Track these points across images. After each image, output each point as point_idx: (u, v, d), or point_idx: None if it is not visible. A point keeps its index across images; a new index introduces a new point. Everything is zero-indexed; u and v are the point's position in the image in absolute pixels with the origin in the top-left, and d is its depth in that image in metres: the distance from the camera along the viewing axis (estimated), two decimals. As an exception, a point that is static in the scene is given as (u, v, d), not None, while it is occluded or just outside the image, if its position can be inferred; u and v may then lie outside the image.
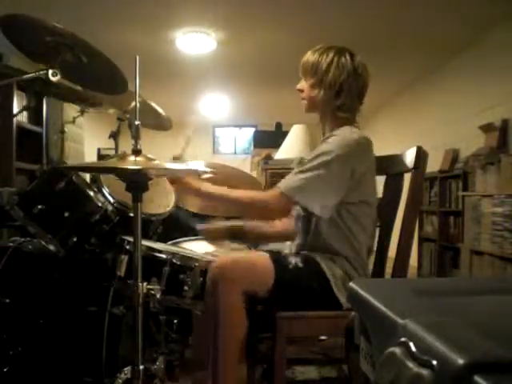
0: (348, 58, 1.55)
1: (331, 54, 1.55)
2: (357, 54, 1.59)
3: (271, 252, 1.52)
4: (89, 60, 1.56)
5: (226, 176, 1.80)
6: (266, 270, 1.42)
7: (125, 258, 1.52)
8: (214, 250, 1.85)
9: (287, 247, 1.66)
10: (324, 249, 1.52)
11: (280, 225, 1.79)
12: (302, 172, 1.46)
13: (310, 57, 1.59)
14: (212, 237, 1.92)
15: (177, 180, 1.58)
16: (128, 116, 2.15)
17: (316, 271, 1.46)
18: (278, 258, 1.47)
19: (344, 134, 1.49)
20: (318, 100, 1.58)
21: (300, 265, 1.46)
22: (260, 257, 1.46)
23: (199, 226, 1.91)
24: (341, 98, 1.55)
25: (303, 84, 1.62)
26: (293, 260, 1.47)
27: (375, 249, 1.65)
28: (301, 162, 1.60)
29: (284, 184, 1.46)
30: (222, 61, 5.37)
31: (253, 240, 1.83)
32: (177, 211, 2.14)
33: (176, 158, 2.48)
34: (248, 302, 1.38)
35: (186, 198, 2.09)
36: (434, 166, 4.69)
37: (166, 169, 1.33)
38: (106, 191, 1.84)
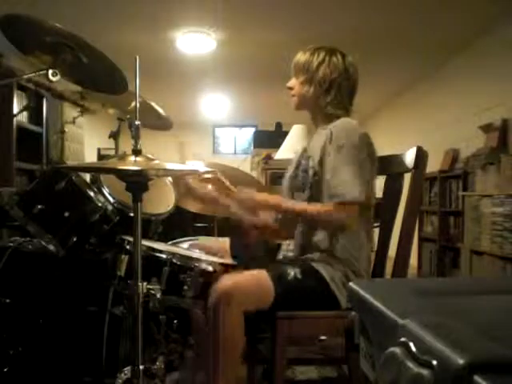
0: (339, 57, 1.58)
1: (322, 53, 1.58)
2: (351, 55, 1.60)
3: (268, 270, 1.50)
4: (89, 60, 1.56)
5: (225, 176, 1.80)
6: (267, 289, 1.42)
7: (125, 257, 1.52)
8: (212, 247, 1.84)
9: (286, 246, 1.66)
10: (323, 250, 1.52)
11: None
12: (346, 169, 1.45)
13: (301, 56, 1.62)
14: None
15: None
16: (128, 116, 2.15)
17: (315, 279, 1.46)
18: (277, 274, 1.46)
19: (345, 125, 1.51)
20: (309, 96, 1.60)
21: (299, 276, 1.46)
22: (260, 277, 1.45)
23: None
24: (330, 95, 1.57)
25: (293, 82, 1.65)
26: (292, 272, 1.47)
27: (375, 249, 1.64)
28: (302, 155, 1.59)
29: (343, 192, 1.44)
30: (222, 61, 5.37)
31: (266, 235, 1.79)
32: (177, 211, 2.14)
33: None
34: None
35: (186, 198, 2.09)
36: (434, 166, 4.69)
37: (166, 169, 1.33)
38: (105, 191, 1.84)
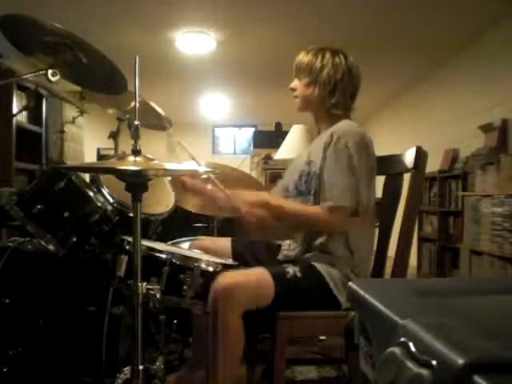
0: (342, 58, 1.58)
1: (326, 54, 1.58)
2: (351, 55, 1.61)
3: (270, 267, 1.50)
4: (88, 60, 1.56)
5: (225, 176, 1.80)
6: (267, 287, 1.42)
7: (124, 257, 1.52)
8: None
9: (286, 246, 1.65)
10: (323, 250, 1.51)
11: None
12: (340, 179, 1.45)
13: (303, 57, 1.61)
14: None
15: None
16: (127, 116, 2.15)
17: (315, 278, 1.46)
18: (276, 272, 1.46)
19: (346, 129, 1.50)
20: (312, 98, 1.59)
21: (298, 274, 1.46)
22: (260, 275, 1.45)
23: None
24: (335, 97, 1.57)
25: (296, 83, 1.64)
26: (291, 270, 1.47)
27: (375, 248, 1.64)
28: (305, 160, 1.59)
29: (331, 197, 1.45)
30: (222, 61, 5.37)
31: (254, 232, 1.80)
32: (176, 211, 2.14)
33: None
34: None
35: (186, 198, 2.09)
36: (433, 166, 4.69)
37: (166, 169, 1.33)
38: (105, 191, 1.84)
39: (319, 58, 1.57)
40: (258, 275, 1.45)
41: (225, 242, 1.80)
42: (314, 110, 1.64)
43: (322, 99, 1.58)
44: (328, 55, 1.57)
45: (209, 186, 1.74)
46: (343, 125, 1.52)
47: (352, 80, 1.58)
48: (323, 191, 1.48)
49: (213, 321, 1.37)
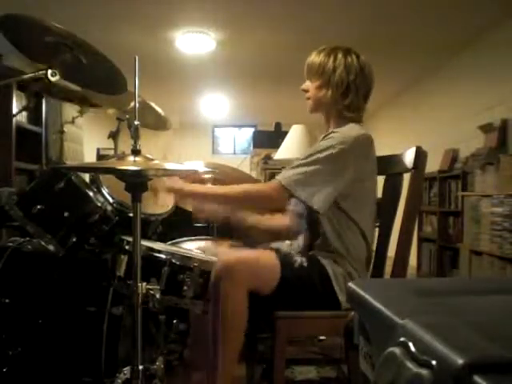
0: (354, 58, 1.55)
1: (338, 55, 1.55)
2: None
3: (277, 250, 1.51)
4: (88, 60, 1.56)
5: (225, 176, 1.80)
6: (273, 269, 1.41)
7: (124, 258, 1.52)
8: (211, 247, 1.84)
9: (286, 246, 1.65)
10: (328, 249, 1.52)
11: (280, 221, 1.78)
12: (301, 165, 1.46)
13: (315, 57, 1.58)
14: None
15: (169, 188, 1.58)
16: (127, 116, 2.15)
17: (319, 271, 1.46)
18: (284, 256, 1.46)
19: (344, 131, 1.50)
20: (325, 100, 1.57)
21: (305, 264, 1.46)
22: (266, 255, 1.44)
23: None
24: (348, 98, 1.54)
25: (308, 84, 1.61)
26: (298, 259, 1.47)
27: (374, 248, 1.65)
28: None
29: (284, 176, 1.46)
30: (222, 61, 5.37)
31: (255, 237, 1.81)
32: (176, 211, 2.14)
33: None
34: (249, 300, 1.38)
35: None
36: (433, 166, 4.70)
37: (166, 169, 1.33)
38: (105, 191, 1.84)
39: (331, 59, 1.54)
40: (263, 255, 1.45)
41: (226, 247, 1.80)
42: (326, 111, 1.62)
43: (334, 101, 1.55)
44: (340, 56, 1.54)
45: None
46: (343, 129, 1.51)
47: (365, 80, 1.56)
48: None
49: (214, 299, 1.35)
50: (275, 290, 1.40)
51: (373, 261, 1.63)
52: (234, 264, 1.36)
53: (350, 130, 1.50)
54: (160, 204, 1.98)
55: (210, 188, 1.61)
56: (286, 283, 1.41)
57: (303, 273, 1.45)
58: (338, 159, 1.44)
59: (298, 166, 1.46)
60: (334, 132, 1.50)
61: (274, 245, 1.73)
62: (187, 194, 1.59)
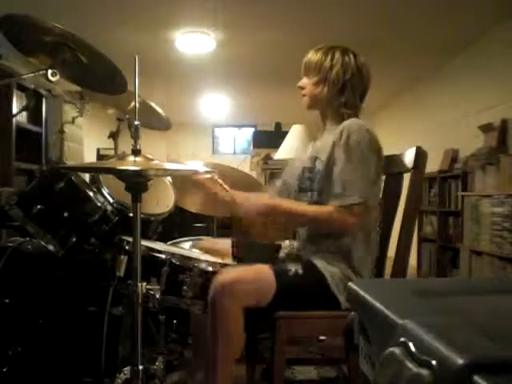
0: (352, 57, 1.57)
1: (335, 53, 1.57)
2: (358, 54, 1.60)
3: (272, 263, 1.50)
4: (88, 60, 1.56)
5: (225, 176, 1.80)
6: (268, 284, 1.41)
7: (124, 258, 1.52)
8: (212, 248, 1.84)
9: (286, 246, 1.65)
10: (325, 249, 1.51)
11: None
12: (352, 170, 1.44)
13: (313, 55, 1.60)
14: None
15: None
16: (127, 116, 2.15)
17: (316, 276, 1.46)
18: (279, 269, 1.46)
19: (353, 124, 1.50)
20: (321, 97, 1.59)
21: (300, 271, 1.46)
22: (262, 271, 1.44)
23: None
24: (344, 96, 1.56)
25: (305, 81, 1.63)
26: (293, 267, 1.46)
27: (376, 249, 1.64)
28: (309, 156, 1.59)
29: (353, 192, 1.43)
30: (222, 61, 5.37)
31: (253, 235, 1.80)
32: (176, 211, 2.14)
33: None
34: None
35: (186, 198, 2.09)
36: (433, 166, 4.69)
37: (166, 169, 1.33)
38: (105, 191, 1.84)
39: (329, 57, 1.56)
40: (259, 271, 1.44)
41: (225, 244, 1.79)
42: (322, 108, 1.64)
43: (330, 98, 1.58)
44: (338, 54, 1.56)
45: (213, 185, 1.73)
46: (352, 122, 1.51)
47: (361, 79, 1.58)
48: (333, 188, 1.46)
49: (212, 316, 1.36)
50: (272, 302, 1.41)
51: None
52: (231, 283, 1.36)
53: (358, 122, 1.51)
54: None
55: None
56: (283, 294, 1.41)
57: (299, 280, 1.44)
58: (371, 146, 1.48)
59: (350, 173, 1.44)
60: (344, 127, 1.49)
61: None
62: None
